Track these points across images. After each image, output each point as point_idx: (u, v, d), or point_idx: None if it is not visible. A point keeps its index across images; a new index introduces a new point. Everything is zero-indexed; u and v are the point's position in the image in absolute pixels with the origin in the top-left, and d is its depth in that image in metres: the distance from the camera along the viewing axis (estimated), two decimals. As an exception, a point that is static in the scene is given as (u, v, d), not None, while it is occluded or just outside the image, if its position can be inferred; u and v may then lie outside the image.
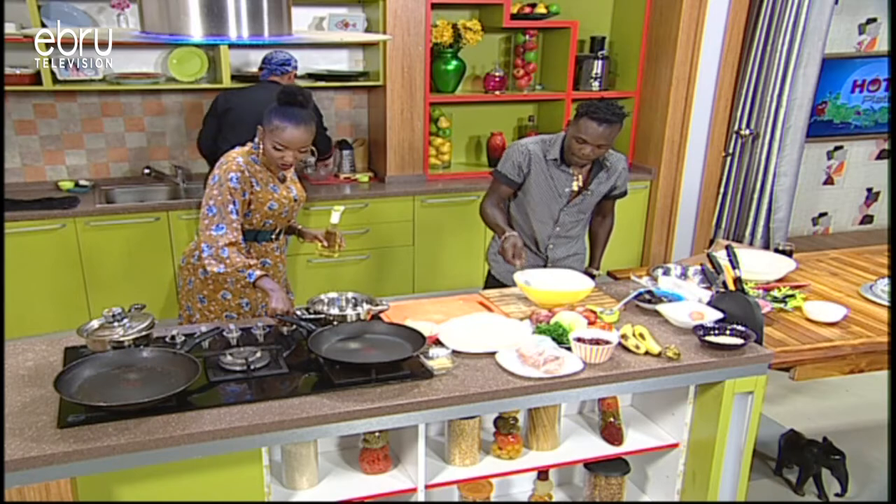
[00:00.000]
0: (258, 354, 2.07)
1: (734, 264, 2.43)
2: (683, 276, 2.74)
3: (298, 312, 2.32)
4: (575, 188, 2.85)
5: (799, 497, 2.97)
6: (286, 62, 3.81)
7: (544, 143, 2.84)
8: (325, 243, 2.69)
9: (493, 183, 2.95)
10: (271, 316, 2.30)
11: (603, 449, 2.32)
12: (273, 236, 2.64)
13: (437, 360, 2.05)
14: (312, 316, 2.28)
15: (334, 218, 2.63)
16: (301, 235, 2.79)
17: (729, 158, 4.94)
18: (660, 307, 2.43)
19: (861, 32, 5.40)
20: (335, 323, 2.25)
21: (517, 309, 2.49)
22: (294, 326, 2.24)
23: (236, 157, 2.49)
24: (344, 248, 2.69)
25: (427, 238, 4.41)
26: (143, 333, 2.09)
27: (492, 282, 3.07)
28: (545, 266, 2.95)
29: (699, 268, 2.73)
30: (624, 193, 2.99)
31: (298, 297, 3.11)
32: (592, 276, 2.97)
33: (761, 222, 4.97)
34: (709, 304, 2.43)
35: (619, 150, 2.96)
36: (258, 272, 2.39)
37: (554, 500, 2.54)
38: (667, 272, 2.78)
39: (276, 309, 2.30)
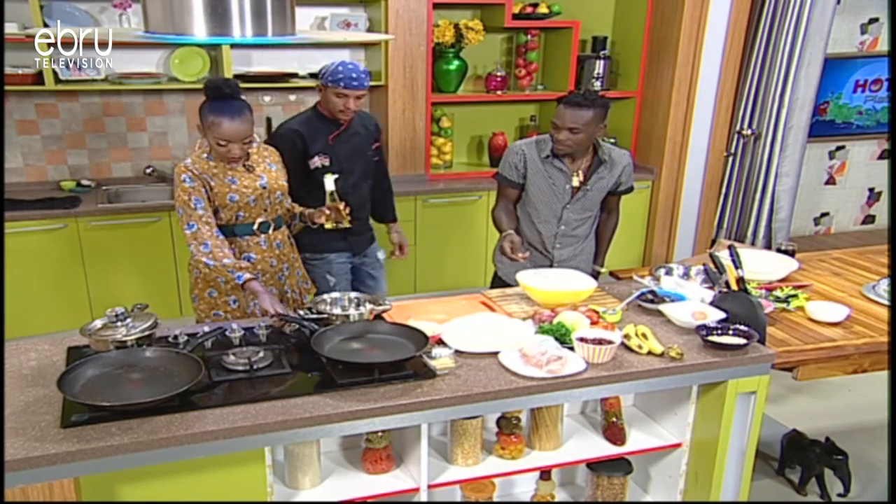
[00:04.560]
0: (261, 354, 2.07)
1: (737, 264, 2.43)
2: (686, 275, 2.74)
3: (301, 312, 2.32)
4: (576, 184, 2.86)
5: (801, 497, 2.97)
6: None
7: (539, 143, 2.88)
8: (329, 213, 2.61)
9: (498, 187, 3.01)
10: (269, 316, 2.31)
11: (605, 449, 2.32)
12: (255, 229, 2.60)
13: (440, 359, 2.04)
14: (315, 316, 2.28)
15: (328, 185, 2.50)
16: (310, 220, 2.72)
17: (731, 158, 4.94)
18: (662, 307, 2.43)
19: (863, 32, 5.39)
20: (338, 323, 2.25)
21: (520, 309, 2.49)
22: (297, 326, 2.24)
23: (185, 160, 2.49)
24: (348, 212, 2.62)
25: (429, 238, 4.40)
26: (146, 333, 2.09)
27: (498, 283, 3.08)
28: (551, 266, 2.96)
29: (702, 268, 2.72)
30: (630, 189, 3.01)
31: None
32: (597, 273, 2.99)
33: (763, 222, 4.97)
34: (711, 303, 2.43)
35: (623, 147, 2.97)
36: (247, 275, 2.40)
37: (556, 500, 2.54)
38: (669, 272, 2.77)
39: (267, 310, 2.31)
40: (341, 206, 2.58)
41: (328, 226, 2.60)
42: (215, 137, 2.40)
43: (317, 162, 2.90)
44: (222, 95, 2.39)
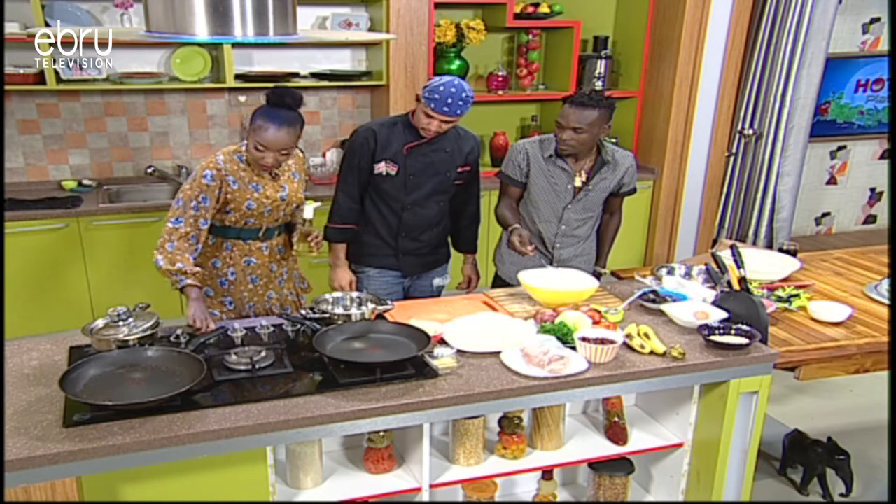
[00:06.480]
0: (263, 354, 2.07)
1: (739, 264, 2.43)
2: (688, 275, 2.74)
3: (303, 312, 2.32)
4: (578, 184, 2.86)
5: (803, 497, 2.97)
6: None
7: (542, 142, 2.89)
8: (294, 240, 2.56)
9: (502, 185, 3.00)
10: (189, 325, 2.28)
11: (607, 449, 2.32)
12: (260, 235, 2.59)
13: (442, 359, 2.04)
14: (317, 315, 2.28)
15: (307, 213, 2.45)
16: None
17: (732, 158, 4.93)
18: (664, 307, 2.43)
19: (865, 32, 5.39)
20: (340, 322, 2.25)
21: (521, 308, 2.49)
22: (298, 326, 2.24)
23: (218, 154, 2.49)
24: (320, 246, 2.52)
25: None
26: (148, 332, 2.10)
27: (498, 283, 3.09)
28: (551, 265, 2.95)
29: (703, 267, 2.72)
30: (633, 191, 3.00)
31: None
32: (599, 275, 2.98)
33: (764, 222, 4.96)
34: (713, 303, 2.43)
35: (625, 148, 2.97)
36: (188, 281, 2.35)
37: (558, 499, 2.53)
38: (671, 272, 2.78)
39: (190, 318, 2.28)
40: (311, 236, 2.48)
41: (296, 249, 2.55)
42: (256, 141, 2.38)
43: (382, 168, 2.74)
44: (282, 104, 2.37)
